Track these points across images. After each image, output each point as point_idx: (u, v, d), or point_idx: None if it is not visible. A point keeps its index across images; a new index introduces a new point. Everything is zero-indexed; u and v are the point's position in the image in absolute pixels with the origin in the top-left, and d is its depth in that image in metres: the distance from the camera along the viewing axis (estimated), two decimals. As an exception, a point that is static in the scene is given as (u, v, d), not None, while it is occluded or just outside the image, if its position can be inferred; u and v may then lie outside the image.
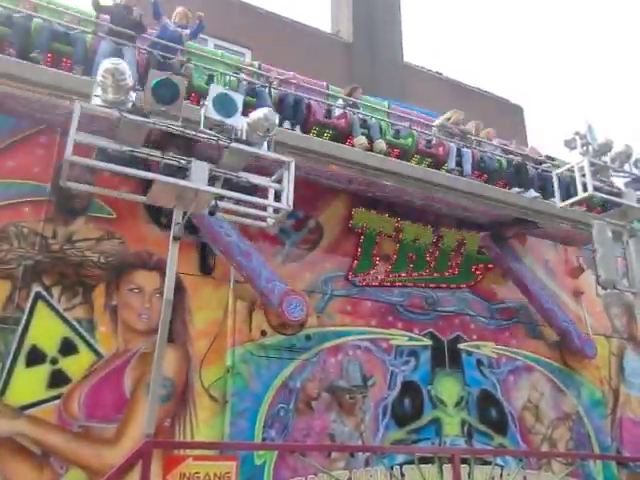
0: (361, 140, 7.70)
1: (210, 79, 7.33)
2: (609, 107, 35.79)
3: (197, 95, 7.07)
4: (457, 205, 8.13)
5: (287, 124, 7.35)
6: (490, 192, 8.08)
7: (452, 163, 8.38)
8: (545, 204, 8.42)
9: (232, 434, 6.33)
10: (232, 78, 7.52)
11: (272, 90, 7.43)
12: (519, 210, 8.26)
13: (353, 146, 7.69)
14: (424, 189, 7.76)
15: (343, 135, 7.88)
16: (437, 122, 8.95)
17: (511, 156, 9.31)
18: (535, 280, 9.21)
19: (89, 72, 6.41)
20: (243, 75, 7.74)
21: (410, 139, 8.34)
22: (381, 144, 7.84)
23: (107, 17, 7.03)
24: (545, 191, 8.83)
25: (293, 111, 7.50)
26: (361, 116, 8.19)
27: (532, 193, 8.68)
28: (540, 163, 9.44)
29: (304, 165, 6.68)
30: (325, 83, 8.79)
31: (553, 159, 9.77)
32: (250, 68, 8.09)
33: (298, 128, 7.48)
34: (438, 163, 8.50)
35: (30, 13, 6.60)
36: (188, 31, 7.44)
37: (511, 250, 9.16)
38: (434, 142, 8.52)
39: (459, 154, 8.53)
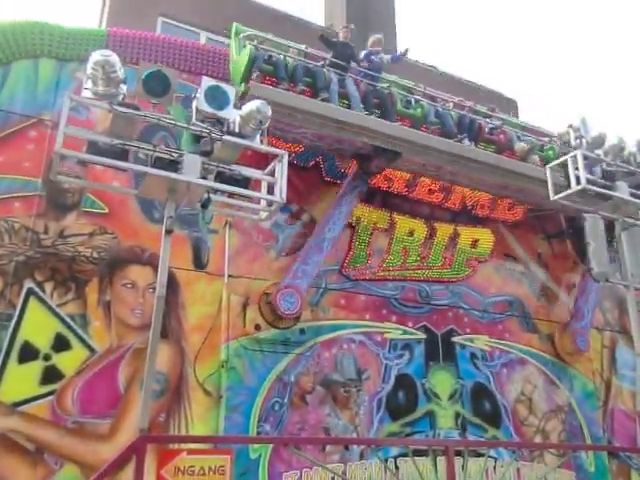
0: (522, 146, 8.85)
1: (408, 104, 8.34)
2: (603, 100, 35.90)
3: (401, 118, 8.07)
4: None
5: (466, 140, 8.27)
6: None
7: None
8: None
9: (227, 428, 6.33)
10: (423, 103, 8.45)
11: (452, 113, 8.51)
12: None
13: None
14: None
15: (503, 148, 8.88)
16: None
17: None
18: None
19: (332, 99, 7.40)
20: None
21: (551, 152, 9.07)
22: (535, 158, 8.84)
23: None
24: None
25: (469, 130, 8.49)
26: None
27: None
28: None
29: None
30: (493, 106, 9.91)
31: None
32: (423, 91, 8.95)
33: (472, 144, 8.42)
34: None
35: (287, 55, 7.59)
36: (389, 57, 8.41)
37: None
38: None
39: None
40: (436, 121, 8.36)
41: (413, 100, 8.46)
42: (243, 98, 6.30)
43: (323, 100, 7.22)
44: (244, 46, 7.35)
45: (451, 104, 8.99)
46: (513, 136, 9.05)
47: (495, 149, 8.82)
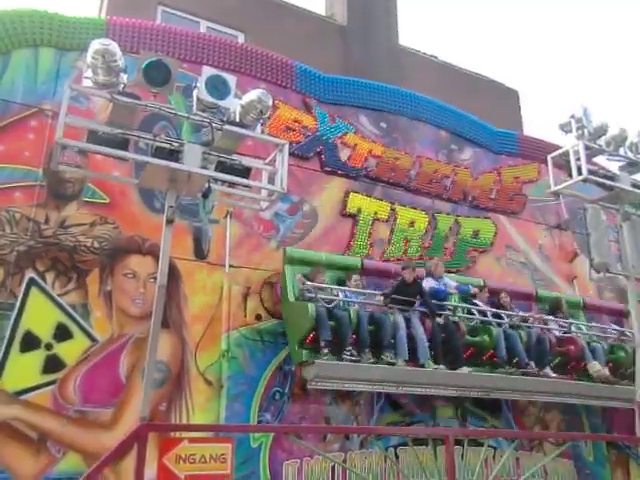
0: (597, 366, 7.89)
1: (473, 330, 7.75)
2: (606, 91, 35.72)
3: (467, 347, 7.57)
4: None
5: (533, 364, 7.63)
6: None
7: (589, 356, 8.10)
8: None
9: (227, 417, 6.35)
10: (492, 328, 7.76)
11: (521, 332, 7.75)
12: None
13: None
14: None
15: (574, 360, 8.05)
16: None
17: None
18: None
19: None
20: None
21: (623, 353, 8.46)
22: (607, 370, 8.00)
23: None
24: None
25: (536, 348, 7.74)
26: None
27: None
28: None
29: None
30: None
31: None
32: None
33: (547, 369, 7.74)
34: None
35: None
36: (454, 284, 7.88)
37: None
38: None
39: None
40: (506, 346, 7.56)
41: (478, 322, 7.76)
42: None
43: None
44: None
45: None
46: (585, 349, 7.99)
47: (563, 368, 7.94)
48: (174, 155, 4.51)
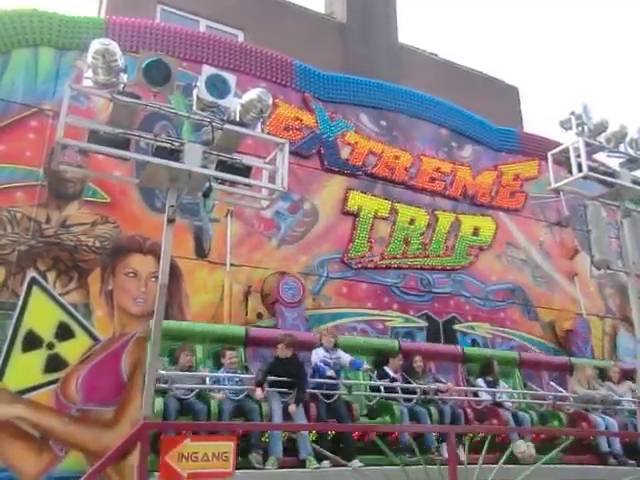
0: (522, 447, 6.44)
1: None
2: (605, 87, 35.66)
3: None
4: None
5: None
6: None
7: (604, 443, 6.91)
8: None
9: (229, 416, 6.34)
10: None
11: (430, 408, 6.47)
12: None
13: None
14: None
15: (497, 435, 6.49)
16: (577, 390, 7.43)
17: None
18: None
19: None
20: None
21: (557, 422, 7.22)
22: (532, 449, 6.51)
23: None
24: None
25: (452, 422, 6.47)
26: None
27: None
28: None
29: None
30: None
31: None
32: None
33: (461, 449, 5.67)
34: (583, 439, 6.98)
35: None
36: (348, 360, 6.33)
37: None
38: (575, 413, 7.28)
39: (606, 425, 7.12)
40: None
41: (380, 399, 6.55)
42: None
43: None
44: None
45: None
46: (510, 422, 6.77)
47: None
48: (175, 154, 4.51)
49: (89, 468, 3.83)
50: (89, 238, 6.62)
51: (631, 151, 6.72)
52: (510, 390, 7.40)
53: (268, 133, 6.94)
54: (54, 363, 6.01)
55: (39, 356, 5.96)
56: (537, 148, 10.27)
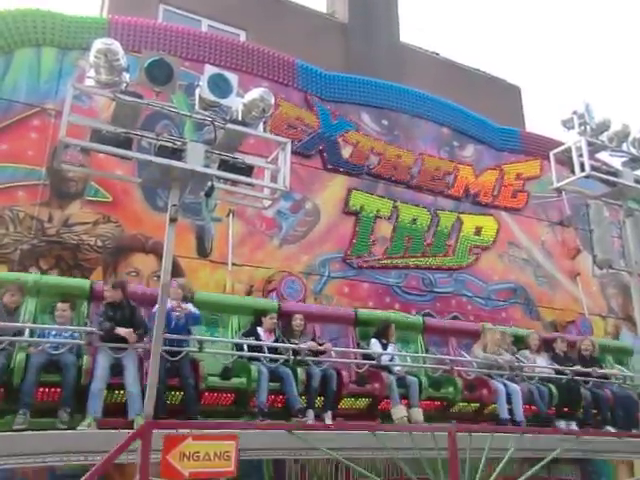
0: (400, 413, 6.13)
1: None
2: (607, 86, 35.61)
3: None
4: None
5: (311, 416, 5.77)
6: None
7: (504, 410, 6.67)
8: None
9: (231, 415, 6.35)
10: None
11: (297, 369, 5.92)
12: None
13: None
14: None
15: (379, 400, 6.38)
16: (478, 354, 7.06)
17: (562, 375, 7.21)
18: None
19: None
20: None
21: (452, 388, 6.90)
22: (418, 415, 6.27)
23: None
24: (601, 414, 7.09)
25: (322, 387, 5.95)
26: (398, 369, 6.58)
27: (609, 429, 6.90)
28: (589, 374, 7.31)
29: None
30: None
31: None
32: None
33: (329, 415, 5.88)
34: (484, 406, 6.99)
35: None
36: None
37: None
38: (476, 379, 7.04)
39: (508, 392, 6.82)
40: None
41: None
42: None
43: None
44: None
45: None
46: (391, 386, 6.24)
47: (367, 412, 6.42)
48: (177, 154, 4.51)
49: (90, 467, 3.84)
50: (91, 237, 6.63)
51: (634, 150, 6.71)
52: (399, 353, 6.86)
53: (270, 132, 6.95)
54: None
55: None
56: (539, 147, 10.26)
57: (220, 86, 4.64)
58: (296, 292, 7.24)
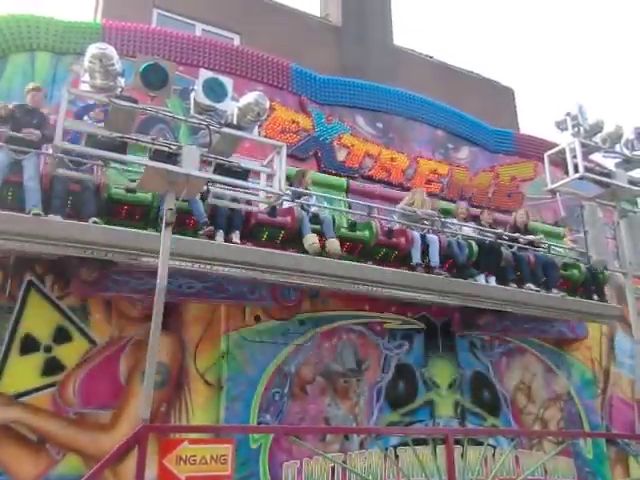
0: (311, 240, 6.33)
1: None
2: (600, 87, 35.82)
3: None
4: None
5: (220, 235, 5.97)
6: (465, 288, 7.16)
7: (417, 255, 7.13)
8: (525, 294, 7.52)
9: (227, 418, 6.36)
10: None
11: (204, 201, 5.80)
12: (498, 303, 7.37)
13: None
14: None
15: (292, 235, 6.52)
16: (398, 206, 7.67)
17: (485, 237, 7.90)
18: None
19: None
20: None
21: (368, 231, 7.07)
22: (334, 244, 6.50)
23: None
24: (522, 273, 7.79)
25: (228, 219, 6.07)
26: (314, 209, 6.95)
27: (530, 287, 7.64)
28: (515, 240, 8.11)
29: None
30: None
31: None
32: None
33: (237, 234, 6.13)
34: (400, 254, 7.25)
35: None
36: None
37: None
38: (396, 229, 7.34)
39: (424, 241, 7.29)
40: None
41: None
42: None
43: None
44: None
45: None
46: (304, 218, 6.58)
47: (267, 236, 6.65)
48: (172, 158, 4.53)
49: (86, 472, 3.83)
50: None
51: (627, 151, 6.77)
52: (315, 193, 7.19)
53: (265, 136, 6.95)
54: (51, 366, 5.99)
55: (36, 359, 5.94)
56: (533, 149, 10.31)
57: (215, 90, 4.66)
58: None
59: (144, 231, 5.63)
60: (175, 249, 4.82)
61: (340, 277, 6.43)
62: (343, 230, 6.91)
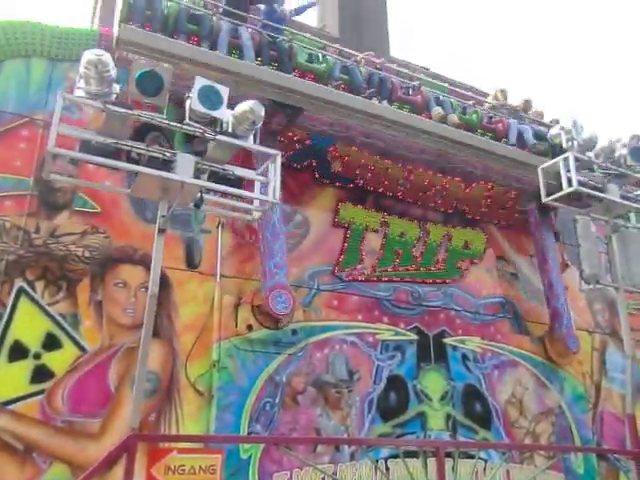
0: (437, 110, 8.54)
1: (310, 57, 8.14)
2: (592, 97, 36.14)
3: (299, 71, 7.86)
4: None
5: (375, 100, 7.93)
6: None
7: (513, 138, 9.11)
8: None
9: (218, 428, 6.31)
10: (329, 57, 8.29)
11: (361, 69, 8.22)
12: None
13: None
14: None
15: (420, 110, 8.61)
16: (489, 104, 9.87)
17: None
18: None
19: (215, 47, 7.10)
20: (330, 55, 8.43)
21: (475, 115, 9.21)
22: (454, 117, 8.62)
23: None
24: None
25: (380, 88, 8.24)
26: (433, 95, 9.04)
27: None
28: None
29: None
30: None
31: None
32: (335, 47, 9.02)
33: (385, 102, 8.10)
34: (498, 138, 9.19)
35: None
36: (293, 9, 8.63)
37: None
38: (495, 119, 9.39)
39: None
40: (344, 77, 8.09)
41: (320, 55, 8.26)
42: (118, 47, 6.44)
43: (211, 49, 6.81)
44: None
45: (362, 60, 8.74)
46: (431, 98, 8.88)
47: (409, 110, 8.53)
48: (167, 165, 4.53)
49: (74, 481, 3.79)
50: (79, 248, 6.57)
51: (620, 166, 6.82)
52: None
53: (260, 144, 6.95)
54: (40, 374, 5.92)
55: (25, 366, 5.88)
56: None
57: (210, 98, 4.66)
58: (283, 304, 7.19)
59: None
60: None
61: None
62: (458, 113, 8.95)
